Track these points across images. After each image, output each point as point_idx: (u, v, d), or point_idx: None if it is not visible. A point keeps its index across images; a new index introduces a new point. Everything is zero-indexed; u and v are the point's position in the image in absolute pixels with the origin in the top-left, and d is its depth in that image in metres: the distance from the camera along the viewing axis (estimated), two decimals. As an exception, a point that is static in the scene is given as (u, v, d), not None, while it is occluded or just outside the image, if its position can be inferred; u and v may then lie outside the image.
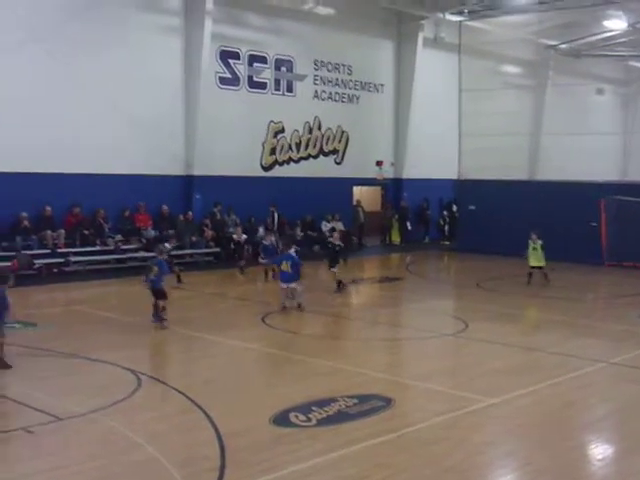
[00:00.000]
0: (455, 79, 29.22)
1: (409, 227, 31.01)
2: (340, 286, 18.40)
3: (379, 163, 30.53)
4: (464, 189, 29.13)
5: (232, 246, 22.55)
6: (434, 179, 31.34)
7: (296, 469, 7.54)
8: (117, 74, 22.25)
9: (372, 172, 30.41)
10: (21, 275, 18.54)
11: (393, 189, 31.71)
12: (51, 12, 20.92)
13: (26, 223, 20.33)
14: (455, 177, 29.50)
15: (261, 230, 24.58)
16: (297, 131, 27.82)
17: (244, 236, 22.43)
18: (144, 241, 22.32)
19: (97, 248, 21.54)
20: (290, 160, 27.73)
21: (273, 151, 27.14)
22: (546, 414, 9.61)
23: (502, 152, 27.91)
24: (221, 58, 25.16)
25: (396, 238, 31.01)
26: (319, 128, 28.56)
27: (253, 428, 8.74)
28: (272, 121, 26.92)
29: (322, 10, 26.66)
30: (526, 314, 17.49)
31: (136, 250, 22.20)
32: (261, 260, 20.37)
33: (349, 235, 27.95)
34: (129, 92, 22.63)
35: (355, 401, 9.67)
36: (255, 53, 26.17)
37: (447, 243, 30.98)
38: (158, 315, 13.91)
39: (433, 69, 31.39)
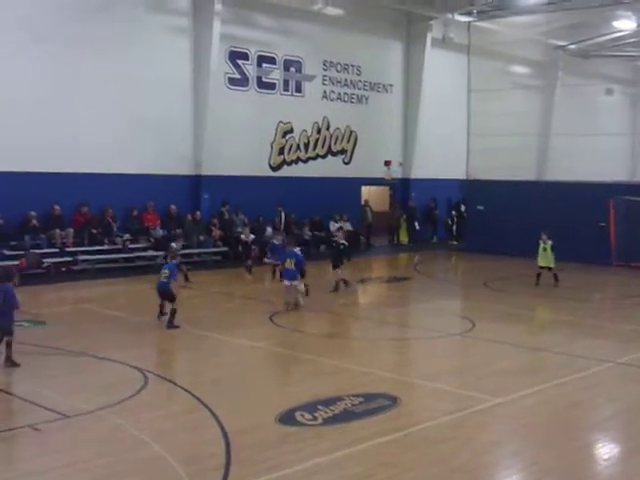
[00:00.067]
0: (464, 79, 29.18)
1: (417, 227, 31.00)
2: (339, 285, 18.28)
3: (387, 163, 30.53)
4: (472, 189, 29.09)
5: (240, 246, 22.57)
6: (442, 179, 31.31)
7: (301, 468, 7.56)
8: (126, 74, 22.32)
9: (380, 172, 30.40)
10: (30, 274, 18.68)
11: (401, 189, 31.70)
12: (62, 12, 20.99)
13: (35, 222, 20.41)
14: (463, 177, 29.46)
15: (269, 230, 24.62)
16: (305, 131, 27.84)
17: (252, 236, 22.46)
18: (152, 240, 22.39)
19: (105, 247, 21.60)
20: (298, 160, 27.76)
21: (281, 151, 27.17)
22: (552, 414, 9.59)
23: (511, 152, 27.84)
24: (230, 59, 25.20)
25: (404, 238, 31.00)
26: (327, 128, 28.57)
27: (259, 426, 8.76)
28: (281, 121, 26.95)
29: (331, 11, 26.69)
30: (533, 314, 17.44)
31: (144, 249, 22.29)
32: (266, 259, 20.41)
33: (357, 235, 27.99)
34: (138, 92, 22.69)
35: (361, 400, 9.68)
36: (264, 54, 26.21)
37: (455, 243, 30.95)
38: (169, 322, 13.89)
39: (442, 69, 31.36)
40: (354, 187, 29.60)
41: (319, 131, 28.30)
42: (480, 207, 28.16)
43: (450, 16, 29.69)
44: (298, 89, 27.47)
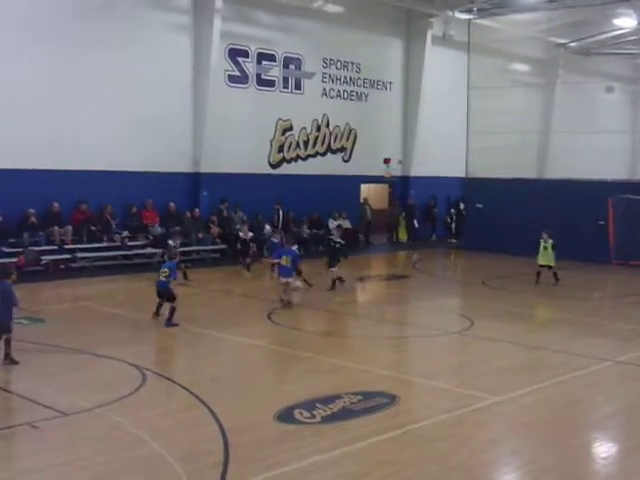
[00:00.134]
0: (464, 77, 29.15)
1: (416, 225, 30.98)
2: (336, 283, 18.27)
3: (387, 161, 30.51)
4: (472, 187, 29.08)
5: (238, 243, 22.56)
6: (442, 177, 31.30)
7: (300, 466, 7.55)
8: (126, 72, 22.27)
9: (380, 170, 30.38)
10: (28, 271, 18.67)
11: (401, 187, 31.68)
12: (63, 12, 20.95)
13: (33, 219, 20.39)
14: (463, 175, 29.44)
15: (267, 227, 24.62)
16: (305, 129, 27.82)
17: (250, 233, 22.45)
18: (151, 238, 22.38)
19: (104, 244, 21.56)
20: (298, 158, 27.74)
21: (281, 149, 27.15)
22: (551, 412, 9.60)
23: (511, 150, 27.83)
24: (230, 56, 25.17)
25: (403, 236, 30.99)
26: (327, 126, 28.54)
27: (257, 424, 8.76)
28: (280, 119, 26.93)
29: (331, 8, 26.69)
30: (532, 312, 17.45)
31: (143, 247, 22.28)
32: (272, 260, 20.53)
33: (355, 232, 27.98)
34: (138, 90, 22.65)
35: (360, 398, 9.68)
36: (264, 51, 26.18)
37: (454, 241, 30.96)
38: (168, 319, 13.88)
39: (442, 67, 31.33)
40: (353, 185, 29.58)
41: (319, 129, 28.27)
42: (479, 205, 28.15)
43: (450, 13, 29.65)
44: (298, 86, 27.44)
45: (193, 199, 24.43)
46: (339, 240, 18.95)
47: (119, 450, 7.96)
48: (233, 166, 24.94)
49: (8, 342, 11.05)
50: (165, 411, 9.33)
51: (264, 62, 26.20)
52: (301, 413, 9.08)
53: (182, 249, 19.82)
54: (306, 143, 27.91)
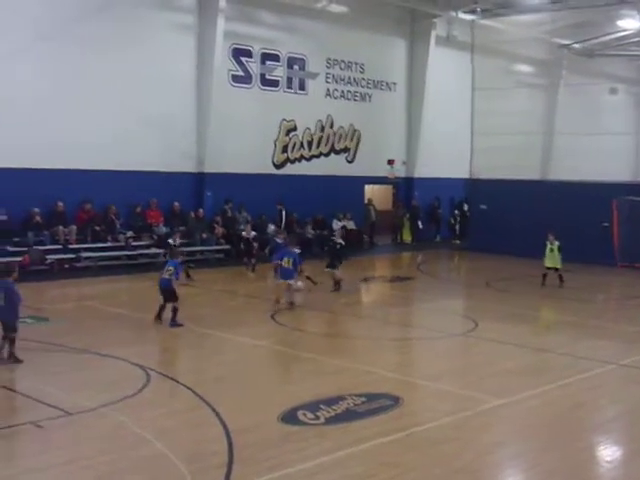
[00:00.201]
0: (468, 78, 29.12)
1: (420, 226, 30.95)
2: (340, 283, 18.29)
3: (391, 162, 30.47)
4: (476, 188, 29.04)
5: (242, 244, 22.55)
6: (446, 178, 31.26)
7: (303, 467, 7.55)
8: (130, 71, 22.28)
9: (384, 171, 30.33)
10: (33, 270, 18.70)
11: (404, 188, 31.64)
12: (66, 12, 20.97)
13: (38, 219, 20.41)
14: (467, 176, 29.41)
15: (271, 227, 24.60)
16: (309, 129, 27.80)
17: (253, 233, 22.44)
18: (155, 237, 22.38)
19: (108, 244, 21.57)
20: (302, 158, 27.72)
21: (285, 149, 27.13)
22: (556, 415, 9.57)
23: (514, 151, 27.82)
24: (234, 56, 25.17)
25: (407, 237, 30.96)
26: (331, 126, 28.53)
27: (261, 425, 8.76)
28: (284, 119, 26.91)
29: (335, 8, 26.65)
30: (537, 314, 17.42)
31: (147, 247, 22.28)
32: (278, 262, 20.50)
33: (359, 233, 27.95)
34: (142, 89, 22.66)
35: (363, 399, 9.66)
36: (268, 51, 26.17)
37: (458, 242, 30.91)
38: (172, 320, 13.87)
39: (446, 68, 31.29)
40: (357, 186, 29.55)
41: (322, 129, 28.26)
42: (483, 206, 28.11)
43: (454, 14, 29.61)
44: (301, 87, 27.43)
45: (197, 199, 24.43)
46: (340, 241, 18.96)
47: (123, 450, 7.96)
48: (237, 166, 24.93)
49: (12, 341, 11.07)
50: (169, 411, 9.33)
51: (268, 62, 26.19)
52: (305, 414, 9.07)
53: (185, 249, 19.80)
54: (310, 143, 27.89)
